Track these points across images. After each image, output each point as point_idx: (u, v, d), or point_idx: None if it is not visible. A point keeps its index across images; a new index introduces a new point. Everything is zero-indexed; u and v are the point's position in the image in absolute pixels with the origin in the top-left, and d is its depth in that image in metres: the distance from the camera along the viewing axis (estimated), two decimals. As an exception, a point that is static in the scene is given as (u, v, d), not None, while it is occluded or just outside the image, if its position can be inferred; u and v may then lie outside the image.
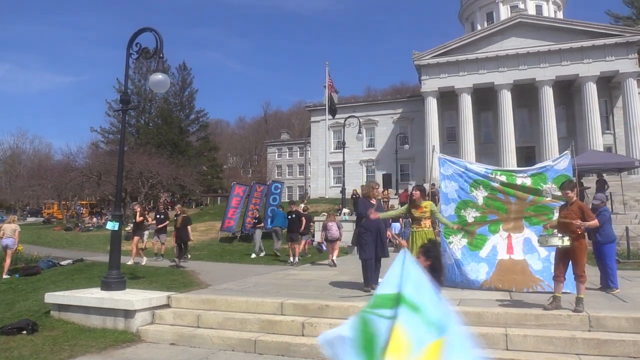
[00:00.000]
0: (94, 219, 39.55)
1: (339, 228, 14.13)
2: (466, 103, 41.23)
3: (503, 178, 8.69)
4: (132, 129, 57.20)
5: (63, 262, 14.51)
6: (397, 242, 11.80)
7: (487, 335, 6.04)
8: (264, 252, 17.35)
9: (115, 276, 8.56)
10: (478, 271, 8.50)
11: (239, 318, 7.22)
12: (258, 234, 17.78)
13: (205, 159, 62.60)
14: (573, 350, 5.67)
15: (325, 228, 14.21)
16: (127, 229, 17.46)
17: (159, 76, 9.04)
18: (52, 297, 8.28)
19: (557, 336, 5.87)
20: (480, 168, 9.18)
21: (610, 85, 40.48)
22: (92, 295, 8.09)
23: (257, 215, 18.75)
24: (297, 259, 14.78)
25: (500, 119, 40.38)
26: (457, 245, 8.68)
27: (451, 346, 2.67)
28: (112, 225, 9.10)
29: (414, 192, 8.04)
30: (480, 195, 8.69)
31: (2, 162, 74.77)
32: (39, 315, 8.13)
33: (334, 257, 13.87)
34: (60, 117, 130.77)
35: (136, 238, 14.97)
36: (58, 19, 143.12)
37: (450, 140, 43.78)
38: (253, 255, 16.91)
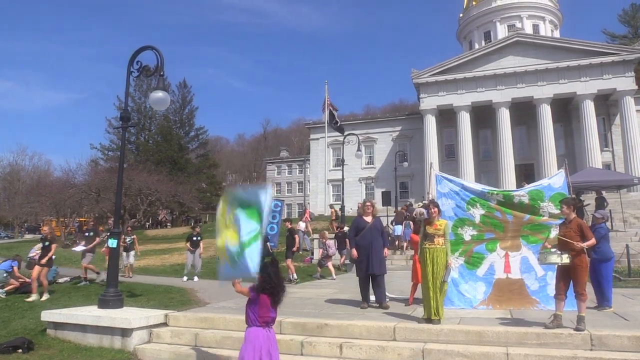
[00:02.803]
0: (98, 237, 39.25)
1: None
2: (465, 121, 41.44)
3: (500, 197, 8.66)
4: (131, 146, 57.35)
5: (60, 280, 14.41)
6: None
7: (488, 355, 5.98)
8: (188, 278, 14.99)
9: (113, 294, 8.50)
10: (475, 290, 8.44)
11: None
12: (197, 253, 15.65)
13: (204, 176, 62.61)
14: (575, 370, 5.61)
15: (325, 245, 15.75)
16: (32, 255, 13.89)
17: (159, 94, 9.09)
18: (49, 315, 8.19)
19: (558, 355, 5.80)
20: (477, 186, 9.17)
21: (608, 103, 40.76)
22: (89, 313, 8.01)
23: (198, 231, 16.24)
24: (295, 276, 14.70)
25: (499, 137, 40.55)
26: (454, 264, 8.61)
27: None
28: (111, 243, 9.08)
29: (431, 208, 7.64)
30: (477, 213, 8.64)
31: (1, 179, 74.74)
32: (35, 334, 8.04)
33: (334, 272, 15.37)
34: (61, 134, 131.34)
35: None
36: (60, 36, 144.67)
37: (450, 158, 43.92)
38: (184, 279, 14.94)
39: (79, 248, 14.84)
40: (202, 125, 65.52)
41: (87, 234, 15.09)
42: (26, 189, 59.61)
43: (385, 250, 8.83)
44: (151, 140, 60.31)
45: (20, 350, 7.14)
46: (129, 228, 17.14)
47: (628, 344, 5.90)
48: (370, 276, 8.66)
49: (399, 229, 21.33)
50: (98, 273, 14.37)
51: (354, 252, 8.70)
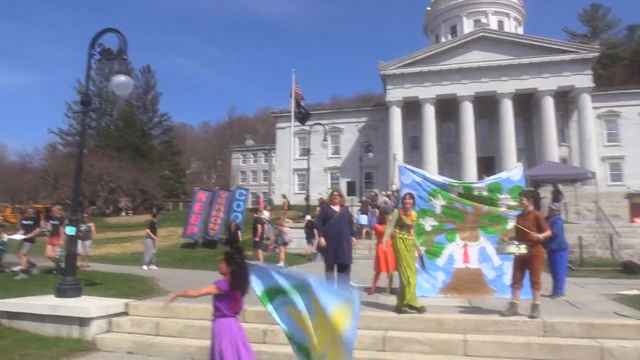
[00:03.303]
0: (49, 224, 38.19)
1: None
2: (429, 113, 42.05)
3: (460, 189, 8.88)
4: (92, 131, 55.64)
5: (15, 268, 13.89)
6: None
7: (447, 342, 6.15)
8: (148, 266, 14.92)
9: (71, 282, 8.29)
10: (435, 279, 8.65)
11: (200, 326, 7.09)
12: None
13: (167, 164, 61.58)
14: (529, 355, 5.84)
15: (281, 232, 16.37)
16: None
17: (121, 78, 8.84)
18: (3, 304, 7.93)
19: (514, 342, 6.03)
20: (439, 178, 9.37)
21: (566, 100, 42.07)
22: (46, 303, 7.80)
23: (155, 220, 16.15)
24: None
25: (461, 130, 41.35)
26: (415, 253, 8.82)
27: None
28: (69, 230, 8.84)
29: (407, 199, 7.71)
30: (438, 204, 8.82)
31: (-49, 163, 71.34)
32: (-13, 324, 7.77)
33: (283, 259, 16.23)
34: (17, 118, 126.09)
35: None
36: (17, 16, 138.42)
37: (414, 150, 44.47)
38: (144, 267, 14.80)
39: (17, 237, 14.08)
40: (166, 112, 64.26)
41: (25, 222, 14.03)
42: (-21, 173, 57.25)
43: (353, 239, 8.87)
44: (113, 125, 58.74)
45: (-29, 341, 6.89)
46: (86, 215, 16.43)
47: (578, 330, 6.19)
48: (337, 265, 8.73)
49: (364, 219, 21.79)
50: (34, 265, 13.44)
51: (322, 240, 8.74)
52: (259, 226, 15.58)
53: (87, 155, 36.94)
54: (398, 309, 7.13)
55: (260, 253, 15.02)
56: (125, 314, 7.79)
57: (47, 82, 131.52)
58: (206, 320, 7.30)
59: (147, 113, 62.02)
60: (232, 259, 4.34)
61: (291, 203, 39.89)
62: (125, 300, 8.12)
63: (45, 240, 14.21)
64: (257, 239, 15.40)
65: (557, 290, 8.73)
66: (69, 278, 8.36)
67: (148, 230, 15.57)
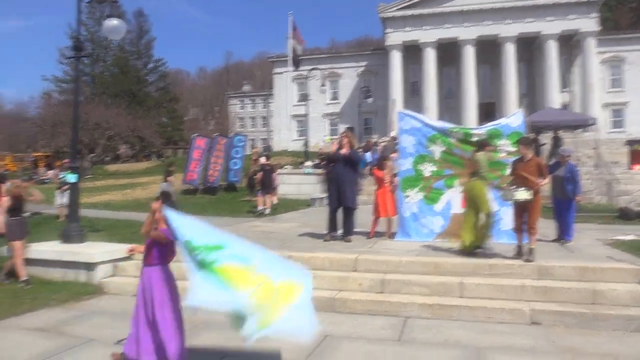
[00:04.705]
0: (49, 172, 38.35)
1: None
2: (430, 58, 41.23)
3: (460, 135, 8.84)
4: (87, 77, 54.78)
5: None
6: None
7: (444, 284, 6.33)
8: None
9: (75, 229, 8.45)
10: (433, 224, 8.77)
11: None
12: None
13: (164, 111, 61.06)
14: (522, 297, 6.02)
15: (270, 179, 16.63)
16: None
17: (113, 21, 8.68)
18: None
19: (508, 284, 6.21)
20: (438, 124, 9.33)
21: (570, 44, 41.19)
22: (52, 249, 7.99)
23: (170, 169, 16.70)
24: (265, 209, 15.15)
25: (462, 75, 40.69)
26: (413, 198, 8.89)
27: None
28: (70, 177, 8.97)
29: (486, 147, 7.71)
30: (437, 150, 8.83)
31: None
32: (-5, 269, 7.95)
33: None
34: (10, 64, 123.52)
35: None
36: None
37: (414, 95, 43.95)
38: None
39: None
40: (161, 57, 63.24)
41: None
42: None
43: (360, 183, 8.92)
44: (107, 72, 57.78)
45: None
46: (65, 161, 15.52)
47: (572, 274, 6.36)
48: (343, 209, 8.83)
49: (368, 157, 22.01)
50: None
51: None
52: (259, 173, 15.85)
53: (83, 102, 36.53)
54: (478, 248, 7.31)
55: (260, 198, 15.33)
56: (129, 258, 7.94)
57: (42, 26, 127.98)
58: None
59: (142, 59, 60.89)
60: (169, 203, 4.17)
61: (290, 150, 40.05)
62: (129, 245, 8.27)
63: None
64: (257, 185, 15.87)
65: (565, 236, 8.78)
66: (73, 225, 8.53)
67: (169, 178, 16.07)
